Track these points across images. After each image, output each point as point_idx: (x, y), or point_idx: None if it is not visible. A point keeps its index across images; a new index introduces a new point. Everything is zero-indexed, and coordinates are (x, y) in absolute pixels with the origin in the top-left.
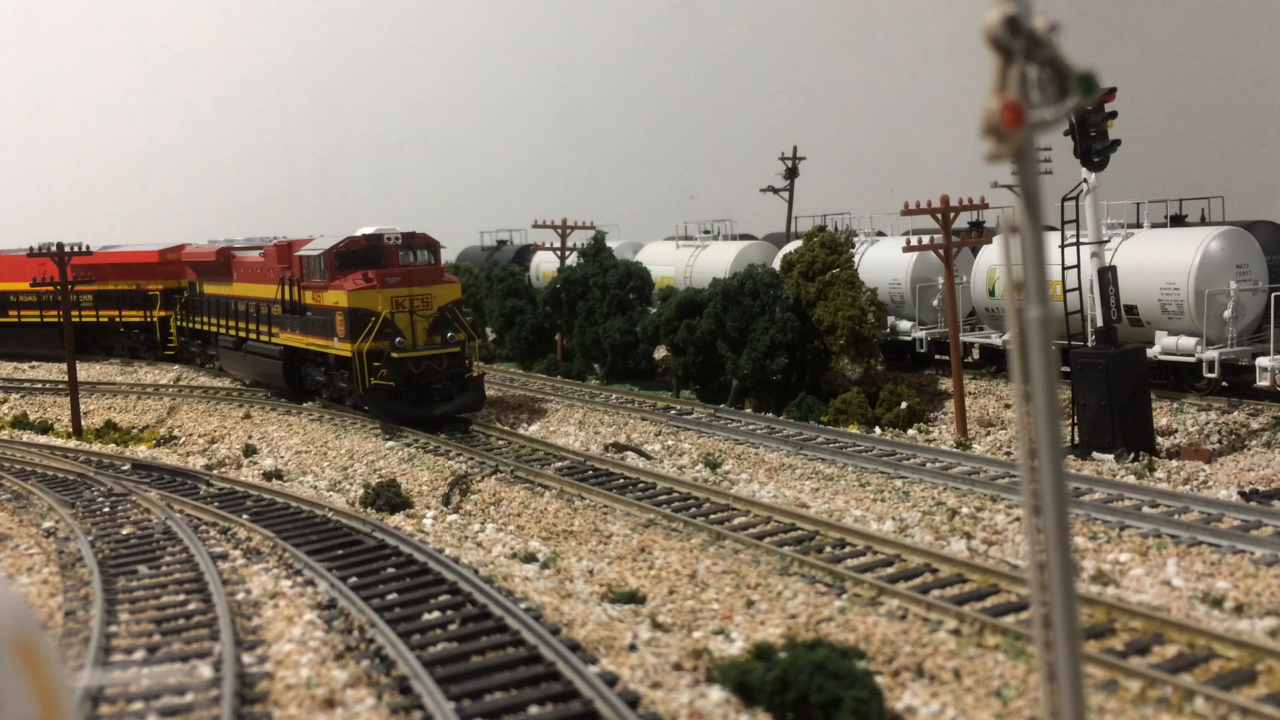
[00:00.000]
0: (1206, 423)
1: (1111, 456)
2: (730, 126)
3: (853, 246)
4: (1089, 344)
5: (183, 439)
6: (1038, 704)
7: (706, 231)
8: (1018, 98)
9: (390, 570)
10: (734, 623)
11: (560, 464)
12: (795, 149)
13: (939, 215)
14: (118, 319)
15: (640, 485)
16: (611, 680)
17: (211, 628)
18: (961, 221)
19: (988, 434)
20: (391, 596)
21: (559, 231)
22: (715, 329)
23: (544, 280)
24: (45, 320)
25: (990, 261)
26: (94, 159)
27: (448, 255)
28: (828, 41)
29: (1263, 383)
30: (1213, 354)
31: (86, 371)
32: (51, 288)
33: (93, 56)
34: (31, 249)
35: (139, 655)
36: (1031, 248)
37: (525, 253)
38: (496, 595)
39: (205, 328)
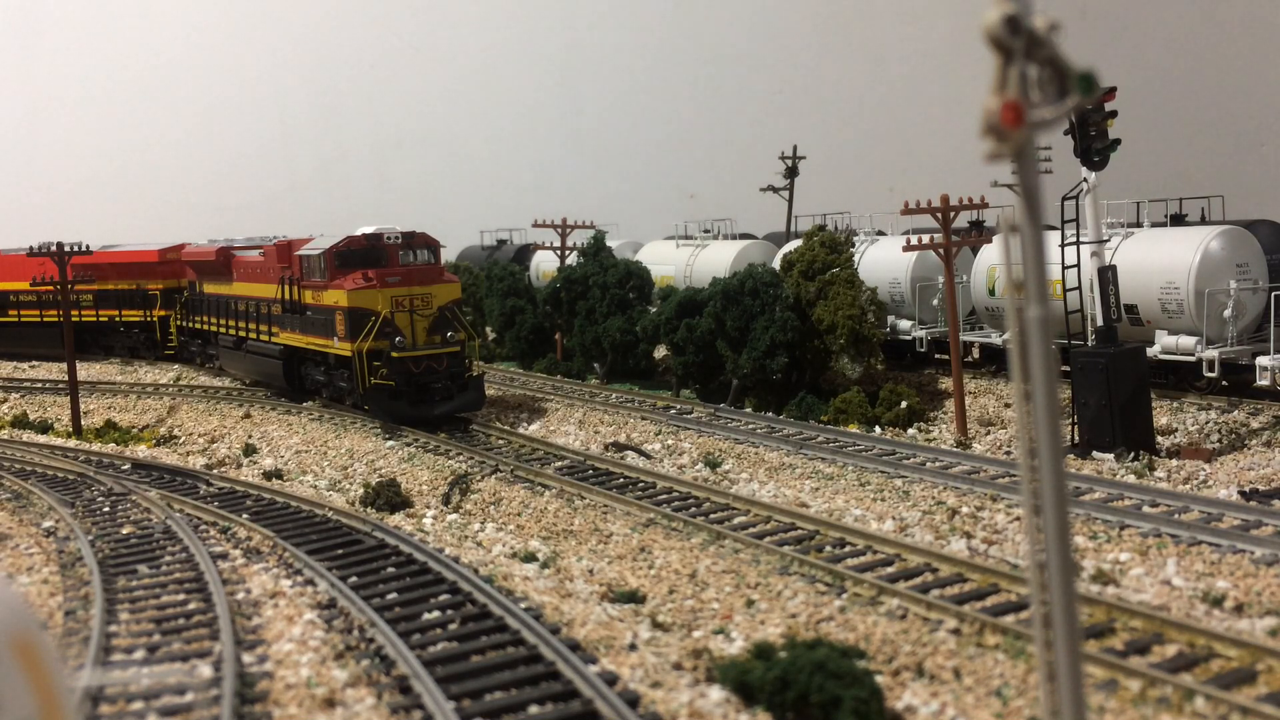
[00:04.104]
0: (1206, 422)
1: (1111, 456)
2: (730, 126)
3: (853, 246)
4: (1089, 343)
5: (183, 438)
6: (1038, 704)
7: (706, 231)
8: (1018, 97)
9: (390, 570)
10: (734, 622)
11: (560, 463)
12: (795, 148)
13: (939, 214)
14: (118, 319)
15: (640, 485)
16: (611, 680)
17: (211, 627)
18: (961, 221)
19: (988, 433)
20: (391, 596)
21: (559, 231)
22: (715, 328)
23: (544, 280)
24: (45, 320)
25: (990, 261)
26: (94, 159)
27: (448, 255)
28: (828, 41)
29: (1263, 382)
30: (1213, 353)
31: (86, 371)
32: (51, 287)
33: (93, 56)
34: (31, 249)
35: (139, 655)
36: (1031, 247)
37: (525, 252)
38: (496, 595)
39: (205, 327)
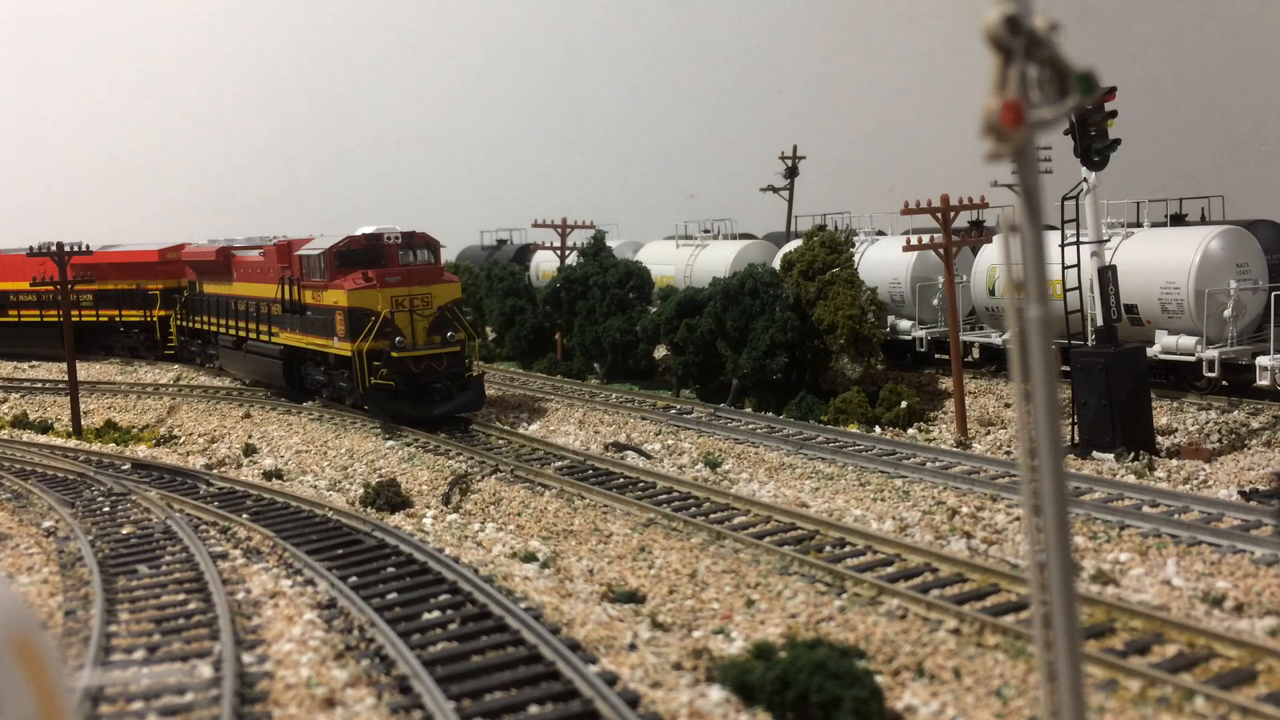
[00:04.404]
0: (1206, 422)
1: (1111, 456)
2: (730, 126)
3: (853, 246)
4: (1089, 343)
5: (183, 438)
6: (1038, 703)
7: (706, 231)
8: (1018, 97)
9: (390, 570)
10: (734, 622)
11: (560, 463)
12: (795, 148)
13: (939, 214)
14: (118, 318)
15: (640, 485)
16: (611, 680)
17: (211, 627)
18: (961, 221)
19: (988, 433)
20: (391, 596)
21: (559, 231)
22: (715, 328)
23: (544, 280)
24: (45, 320)
25: (990, 261)
26: (94, 159)
27: (448, 255)
28: (828, 41)
29: (1263, 382)
30: (1213, 353)
31: (86, 371)
32: (51, 287)
33: (93, 56)
34: (31, 249)
35: (139, 655)
36: (1031, 247)
37: (525, 252)
38: (496, 595)
39: (205, 327)
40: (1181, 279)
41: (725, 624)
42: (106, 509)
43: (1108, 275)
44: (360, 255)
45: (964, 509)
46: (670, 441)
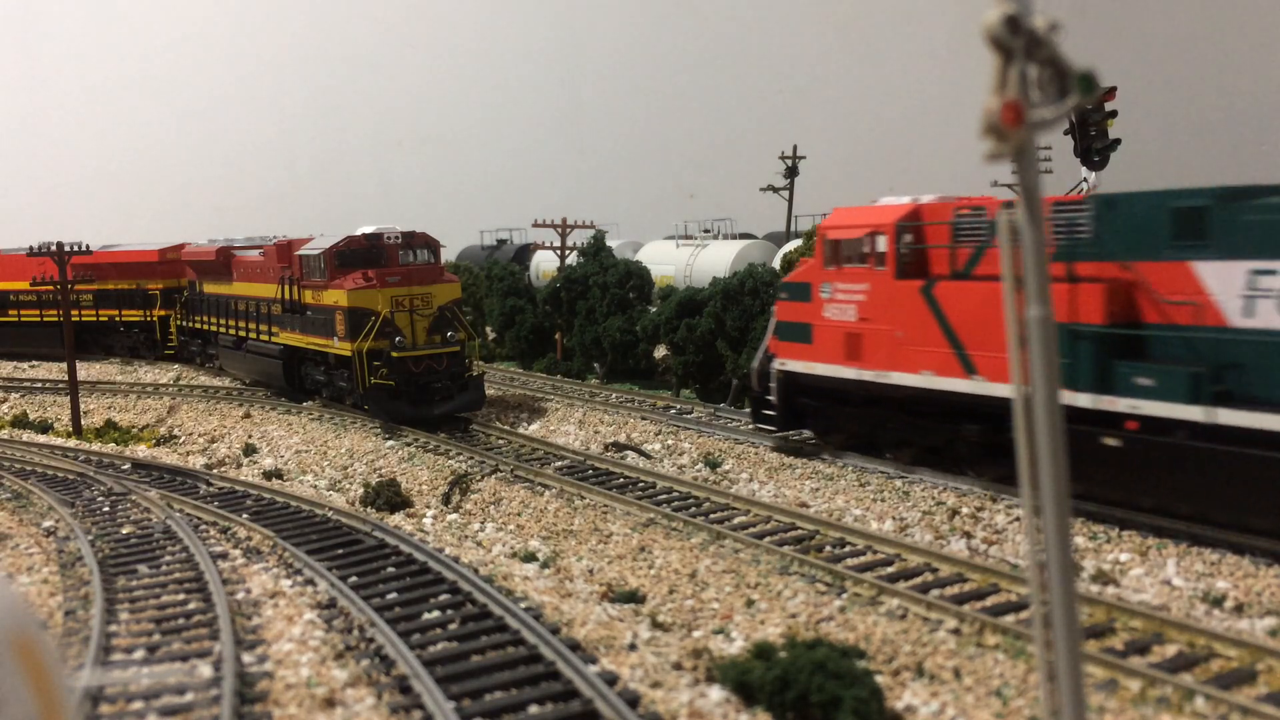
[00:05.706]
0: None
1: None
2: (730, 126)
3: None
4: None
5: (183, 438)
6: (1038, 703)
7: (706, 230)
8: (1018, 97)
9: (390, 569)
10: (734, 622)
11: (560, 463)
12: (795, 148)
13: None
14: (118, 318)
15: (640, 484)
16: (611, 680)
17: (211, 627)
18: None
19: None
20: (391, 596)
21: (559, 231)
22: (715, 328)
23: (544, 279)
24: (45, 320)
25: None
26: (94, 159)
27: (448, 255)
28: (827, 40)
29: None
30: None
31: (86, 371)
32: (51, 287)
33: (93, 56)
34: (31, 249)
35: (139, 655)
36: (1032, 247)
37: (525, 252)
38: (496, 595)
39: (205, 327)
40: None
41: (725, 624)
42: (106, 509)
43: None
44: (360, 255)
45: (964, 509)
46: (670, 441)
